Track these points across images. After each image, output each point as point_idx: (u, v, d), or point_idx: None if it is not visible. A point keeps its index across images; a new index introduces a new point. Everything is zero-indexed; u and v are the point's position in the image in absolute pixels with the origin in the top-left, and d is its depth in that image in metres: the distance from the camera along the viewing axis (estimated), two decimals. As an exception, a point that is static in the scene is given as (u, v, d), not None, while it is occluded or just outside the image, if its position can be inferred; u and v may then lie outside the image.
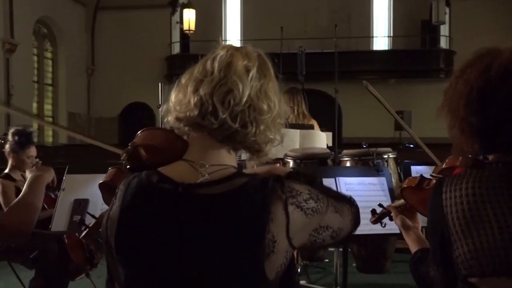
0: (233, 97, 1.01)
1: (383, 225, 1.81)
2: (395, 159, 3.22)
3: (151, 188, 1.02)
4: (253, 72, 1.04)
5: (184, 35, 16.47)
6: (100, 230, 1.63)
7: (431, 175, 1.50)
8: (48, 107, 15.38)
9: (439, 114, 1.28)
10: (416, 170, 2.34)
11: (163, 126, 2.02)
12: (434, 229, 1.26)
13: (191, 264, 0.97)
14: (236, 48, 1.07)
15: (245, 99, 1.01)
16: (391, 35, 17.22)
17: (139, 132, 1.17)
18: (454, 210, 1.18)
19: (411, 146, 7.76)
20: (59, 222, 2.33)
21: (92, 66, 16.74)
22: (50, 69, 15.41)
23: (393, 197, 2.33)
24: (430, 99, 16.90)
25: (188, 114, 1.03)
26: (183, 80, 1.09)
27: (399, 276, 4.71)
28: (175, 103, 1.08)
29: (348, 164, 3.33)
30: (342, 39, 11.67)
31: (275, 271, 0.98)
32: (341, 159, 3.34)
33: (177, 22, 16.72)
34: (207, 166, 1.02)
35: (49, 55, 15.39)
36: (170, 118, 1.09)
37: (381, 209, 1.82)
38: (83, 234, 1.63)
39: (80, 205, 2.33)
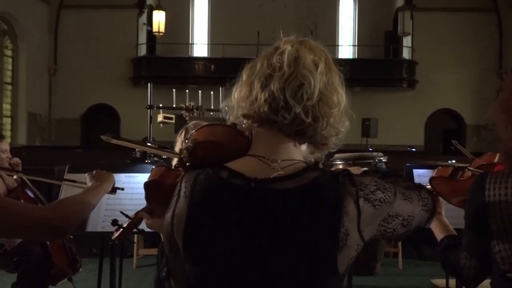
0: (305, 91, 1.00)
1: None
2: (386, 163, 3.32)
3: (221, 183, 1.00)
4: (321, 66, 1.04)
5: (151, 37, 16.26)
6: (135, 230, 1.59)
7: (468, 169, 1.55)
8: (6, 107, 14.78)
9: (491, 111, 1.31)
10: (418, 173, 2.42)
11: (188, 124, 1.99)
12: (473, 222, 1.31)
13: (265, 258, 0.96)
14: (300, 42, 1.06)
15: (316, 93, 1.01)
16: (356, 44, 17.66)
17: (197, 128, 1.15)
18: (498, 208, 1.23)
19: (413, 150, 7.98)
20: (61, 223, 2.24)
21: (54, 65, 16.22)
22: (10, 67, 14.80)
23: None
24: (394, 107, 17.41)
25: (258, 110, 1.02)
26: (244, 76, 1.07)
27: (387, 279, 4.84)
28: (239, 99, 1.06)
29: (341, 167, 3.39)
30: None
31: (345, 264, 0.98)
32: (333, 162, 3.40)
33: (144, 24, 16.49)
34: (279, 161, 1.01)
35: (9, 52, 14.81)
36: (234, 115, 1.08)
37: None
38: (116, 235, 1.57)
39: (84, 206, 2.26)
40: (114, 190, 1.71)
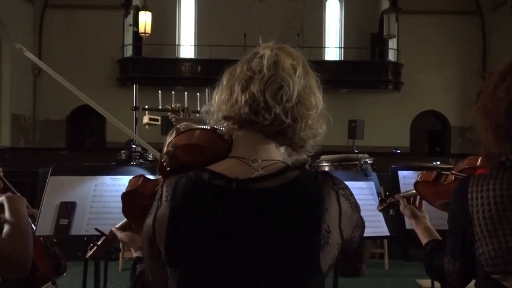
0: (285, 93, 1.03)
1: (390, 213, 1.94)
2: (371, 164, 3.34)
3: (203, 185, 1.01)
4: (299, 70, 1.07)
5: (137, 38, 16.16)
6: (112, 247, 1.57)
7: (451, 172, 1.57)
8: (-10, 108, 14.59)
9: (473, 116, 1.32)
10: (403, 175, 2.42)
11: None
12: (457, 226, 1.32)
13: (249, 259, 0.97)
14: (278, 48, 1.10)
15: (295, 95, 1.04)
16: (342, 46, 17.75)
17: (178, 132, 1.16)
18: (481, 210, 1.25)
19: (398, 151, 8.03)
20: (44, 226, 2.20)
21: (38, 66, 16.01)
22: (-7, 67, 14.64)
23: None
24: (380, 109, 17.51)
25: (239, 112, 1.04)
26: (224, 81, 1.10)
27: (373, 280, 4.86)
28: (220, 103, 1.09)
29: (326, 169, 3.40)
30: (294, 48, 11.90)
31: (328, 263, 0.99)
32: (319, 164, 3.41)
33: (130, 25, 16.38)
34: (259, 161, 1.03)
35: (-8, 53, 14.63)
36: (215, 119, 1.10)
37: (389, 198, 1.92)
38: (90, 253, 1.55)
39: (67, 208, 2.23)
40: None
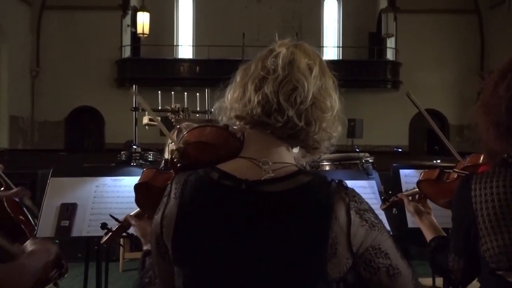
0: (299, 95, 1.00)
1: (393, 212, 1.95)
2: (372, 163, 3.34)
3: (212, 184, 1.00)
4: (315, 70, 1.03)
5: (135, 39, 16.15)
6: (125, 234, 1.57)
7: (453, 170, 1.57)
8: (-12, 110, 14.55)
9: (474, 114, 1.32)
10: (405, 173, 2.43)
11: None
12: (461, 223, 1.33)
13: (255, 261, 0.95)
14: (295, 45, 1.06)
15: (310, 97, 1.00)
16: (341, 45, 17.75)
17: (190, 129, 1.15)
18: (485, 207, 1.25)
19: (400, 150, 8.03)
20: (45, 227, 2.19)
21: (37, 67, 16.00)
22: (-9, 69, 14.60)
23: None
24: (378, 108, 17.47)
25: (251, 112, 1.02)
26: (238, 78, 1.07)
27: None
28: (232, 101, 1.06)
29: (327, 168, 3.39)
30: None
31: (335, 275, 0.97)
32: (320, 163, 3.40)
33: (128, 25, 16.37)
34: (270, 163, 1.01)
35: (-10, 55, 14.59)
36: (227, 116, 1.08)
37: (392, 197, 1.93)
38: (105, 239, 1.56)
39: (68, 210, 2.22)
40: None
